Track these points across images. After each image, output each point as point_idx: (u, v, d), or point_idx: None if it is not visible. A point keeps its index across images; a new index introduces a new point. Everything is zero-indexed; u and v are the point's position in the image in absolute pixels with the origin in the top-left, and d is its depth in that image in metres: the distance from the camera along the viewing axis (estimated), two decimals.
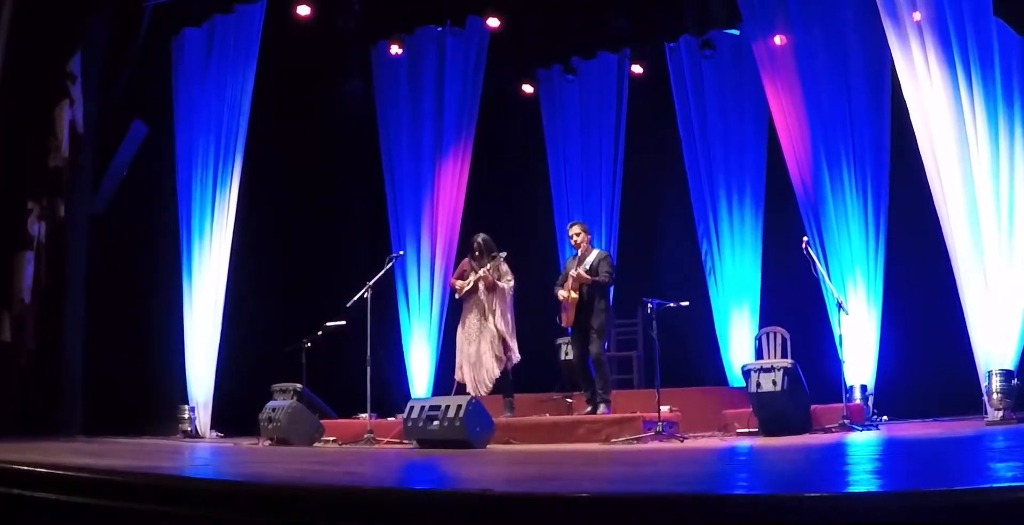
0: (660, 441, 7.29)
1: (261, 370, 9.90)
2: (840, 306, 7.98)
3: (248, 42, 10.27)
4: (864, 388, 8.90)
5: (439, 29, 11.28)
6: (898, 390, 9.10)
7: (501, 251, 8.72)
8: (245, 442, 8.85)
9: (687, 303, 8.25)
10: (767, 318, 10.21)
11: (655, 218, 11.79)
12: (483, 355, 8.56)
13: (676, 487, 3.45)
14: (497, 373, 8.54)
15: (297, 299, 11.14)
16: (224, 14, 10.37)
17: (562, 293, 8.46)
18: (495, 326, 8.56)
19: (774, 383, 7.52)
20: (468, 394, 8.08)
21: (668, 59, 11.26)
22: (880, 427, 8.08)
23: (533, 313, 9.52)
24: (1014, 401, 7.59)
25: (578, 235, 8.56)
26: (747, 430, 7.80)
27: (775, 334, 8.68)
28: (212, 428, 9.97)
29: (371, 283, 8.45)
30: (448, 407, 7.20)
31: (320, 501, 3.07)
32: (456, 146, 11.32)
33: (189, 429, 9.90)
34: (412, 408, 7.51)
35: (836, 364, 8.18)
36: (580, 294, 8.38)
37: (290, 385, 9.19)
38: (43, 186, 9.13)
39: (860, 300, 9.19)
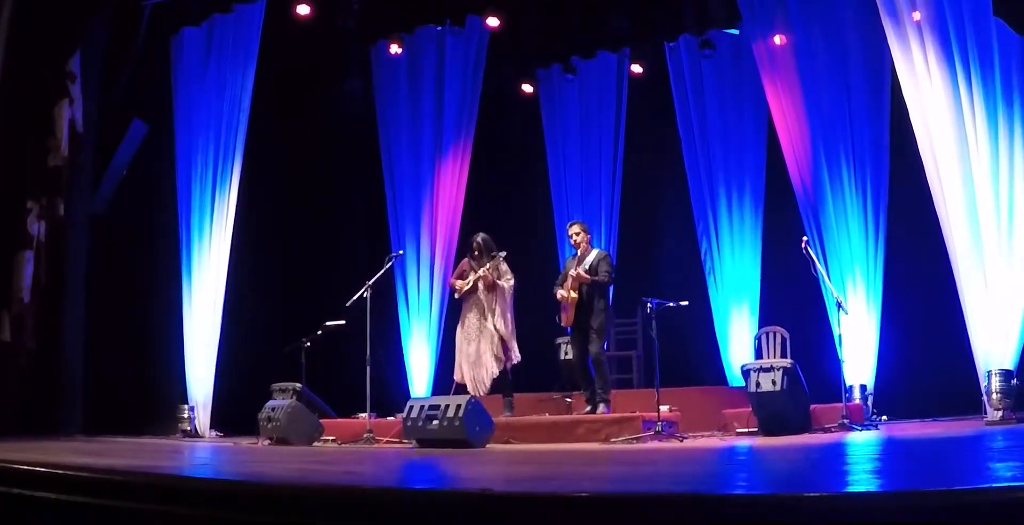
0: (659, 441, 7.29)
1: (261, 370, 9.90)
2: (840, 306, 7.98)
3: (247, 41, 10.26)
4: (863, 388, 8.90)
5: (439, 28, 11.27)
6: (898, 390, 9.10)
7: (501, 251, 8.72)
8: (245, 442, 8.85)
9: (686, 303, 8.25)
10: (766, 318, 10.21)
11: (654, 218, 11.79)
12: (483, 355, 8.55)
13: (675, 487, 3.45)
14: (496, 373, 8.54)
15: (297, 299, 11.14)
16: (223, 13, 10.36)
17: (561, 292, 8.46)
18: (494, 326, 8.55)
19: (773, 383, 7.52)
20: (467, 394, 8.07)
21: (668, 59, 11.26)
22: (879, 427, 8.07)
23: (533, 313, 9.52)
24: (1013, 401, 7.59)
25: (577, 234, 8.56)
26: (746, 430, 7.80)
27: (774, 334, 8.67)
28: (212, 428, 9.97)
29: (371, 283, 8.46)
30: (447, 407, 7.21)
31: (320, 501, 3.07)
32: (456, 146, 11.32)
33: (189, 429, 9.89)
34: (411, 408, 7.51)
35: (835, 364, 8.18)
36: (580, 294, 8.38)
37: (290, 385, 9.19)
38: (43, 185, 9.12)
39: (860, 300, 9.19)
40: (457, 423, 7.08)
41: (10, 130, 8.77)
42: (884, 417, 8.81)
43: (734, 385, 9.71)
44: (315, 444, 8.42)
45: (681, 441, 7.33)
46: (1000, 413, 7.53)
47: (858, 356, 8.90)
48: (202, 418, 9.97)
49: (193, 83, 10.45)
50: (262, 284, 11.02)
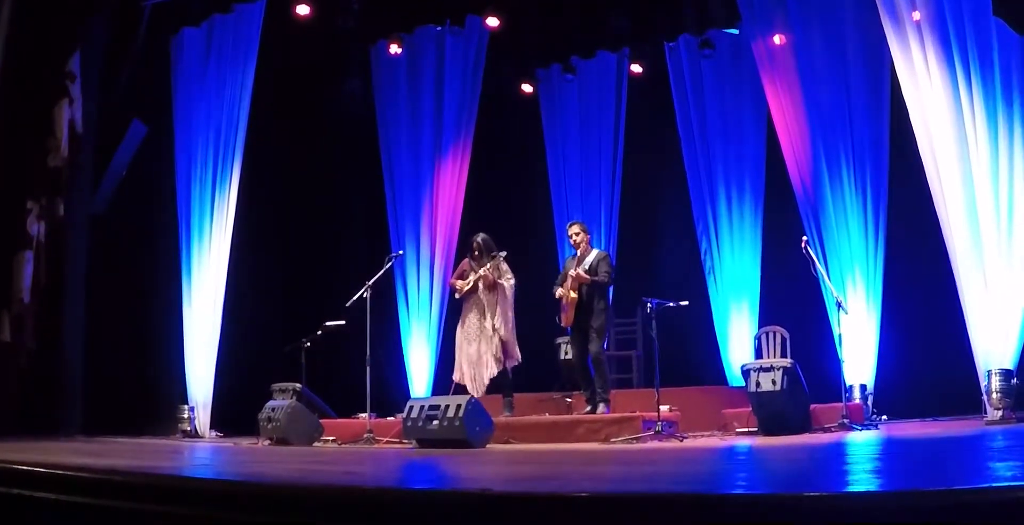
0: (659, 441, 7.29)
1: (261, 370, 9.90)
2: (839, 305, 7.98)
3: (247, 41, 10.26)
4: (863, 387, 8.89)
5: (438, 28, 11.27)
6: (897, 390, 9.10)
7: (501, 251, 8.72)
8: (244, 442, 8.85)
9: (686, 302, 8.25)
10: (766, 317, 10.21)
11: (654, 217, 11.79)
12: (483, 355, 8.55)
13: (675, 486, 3.45)
14: (495, 373, 8.54)
15: (297, 299, 11.14)
16: (223, 13, 10.36)
17: (560, 290, 8.47)
18: (495, 326, 8.55)
19: (773, 382, 7.52)
20: (467, 394, 8.07)
21: (667, 58, 11.26)
22: (879, 427, 8.07)
23: (533, 313, 9.51)
24: (1013, 400, 7.59)
25: (577, 235, 8.56)
26: (746, 430, 7.80)
27: (774, 333, 8.67)
28: (211, 428, 9.97)
29: (370, 283, 8.46)
30: (447, 407, 7.21)
31: (319, 501, 3.07)
32: (455, 145, 11.32)
33: (189, 429, 9.90)
34: (411, 408, 7.51)
35: (835, 363, 8.18)
36: (579, 294, 8.38)
37: (289, 385, 9.18)
38: (43, 186, 9.12)
39: (859, 299, 9.19)
40: (457, 423, 7.08)
41: (10, 130, 8.77)
42: (884, 417, 8.81)
43: (734, 385, 9.71)
44: (315, 444, 8.42)
45: (681, 441, 7.33)
46: (1000, 413, 7.53)
47: (858, 356, 8.90)
48: (202, 418, 9.97)
49: (193, 83, 10.46)
50: (262, 284, 11.02)
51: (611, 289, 9.09)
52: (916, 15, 8.12)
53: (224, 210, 10.23)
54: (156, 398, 10.25)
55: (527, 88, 12.03)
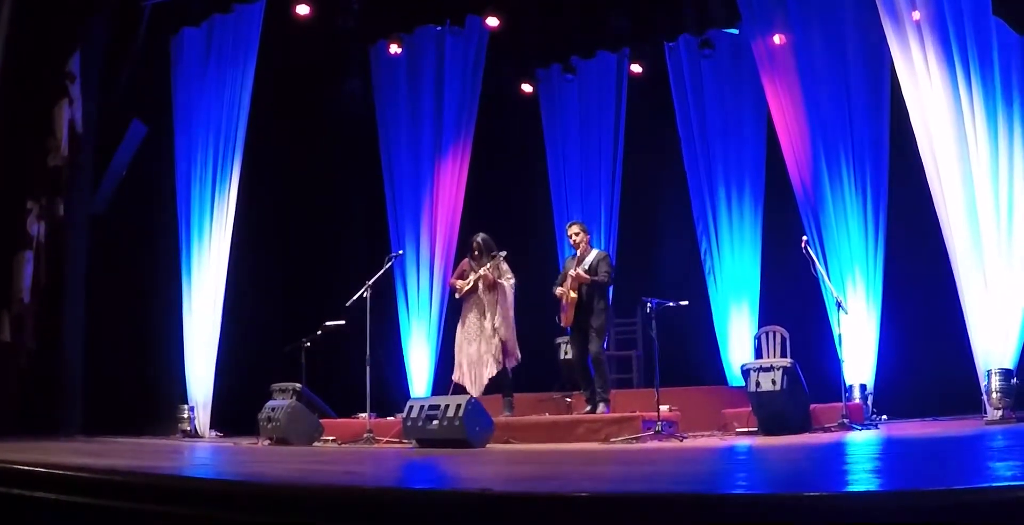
0: (659, 440, 7.29)
1: (260, 370, 9.90)
2: (839, 305, 7.98)
3: (247, 41, 10.27)
4: (863, 387, 8.89)
5: (438, 28, 11.27)
6: (897, 389, 9.10)
7: (501, 250, 8.72)
8: (244, 442, 8.85)
9: (686, 302, 8.25)
10: (766, 317, 10.21)
11: (654, 217, 11.79)
12: (483, 355, 8.55)
13: (675, 486, 3.44)
14: (495, 373, 8.53)
15: (296, 298, 11.15)
16: (223, 14, 10.37)
17: (559, 289, 8.47)
18: (495, 326, 8.55)
19: (773, 382, 7.52)
20: (467, 394, 8.07)
21: (667, 58, 11.26)
22: (879, 426, 8.07)
23: (533, 313, 9.52)
24: (1013, 400, 7.59)
25: (577, 235, 8.56)
26: (746, 429, 7.80)
27: (774, 333, 8.67)
28: (211, 428, 9.97)
29: (370, 282, 8.46)
30: (447, 407, 7.21)
31: (319, 501, 3.07)
32: (455, 145, 11.32)
33: (188, 429, 9.90)
34: (411, 407, 7.51)
35: (835, 363, 8.18)
36: (579, 294, 8.38)
37: (289, 385, 9.18)
38: (42, 186, 9.13)
39: (859, 299, 9.19)
40: (457, 423, 7.08)
41: (10, 130, 8.77)
42: (884, 416, 8.81)
43: (734, 385, 9.71)
44: (315, 444, 8.42)
45: (681, 441, 7.33)
46: (1000, 412, 7.53)
47: (858, 356, 8.90)
48: (202, 418, 9.97)
49: (193, 83, 10.46)
50: (262, 284, 11.03)
51: (611, 289, 9.10)
52: (916, 15, 8.12)
53: (224, 210, 10.23)
54: (156, 398, 10.25)
55: (527, 88, 12.03)
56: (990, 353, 7.78)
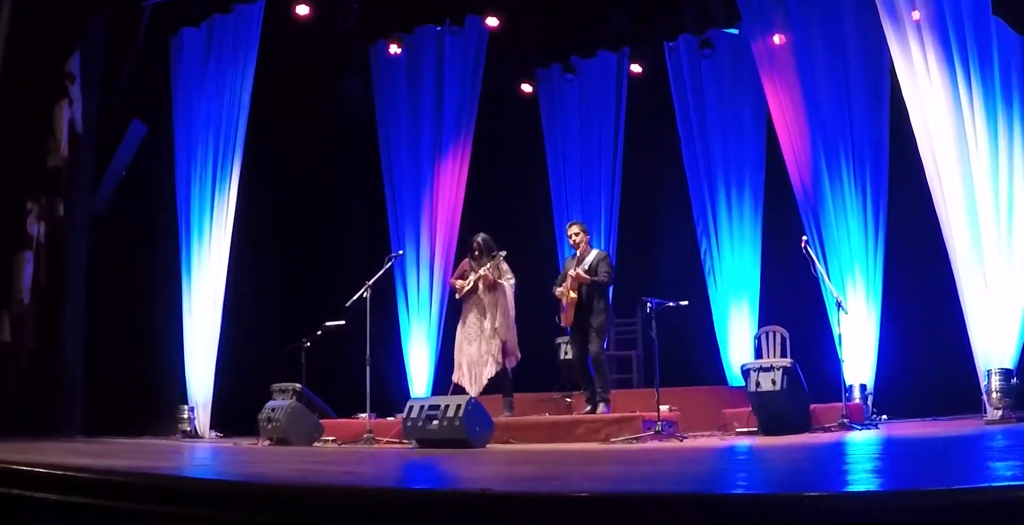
0: (659, 440, 7.29)
1: (261, 370, 9.90)
2: (839, 305, 7.98)
3: (247, 41, 10.26)
4: (863, 387, 8.89)
5: (438, 28, 11.27)
6: (897, 389, 9.10)
7: (501, 250, 8.72)
8: (244, 442, 8.85)
9: (686, 302, 8.25)
10: (766, 317, 10.21)
11: (654, 217, 11.79)
12: (483, 355, 8.55)
13: (675, 486, 3.44)
14: (494, 373, 8.53)
15: (296, 299, 11.14)
16: (223, 14, 10.37)
17: (559, 290, 8.47)
18: (495, 326, 8.55)
19: (773, 382, 7.52)
20: (466, 394, 8.07)
21: (667, 58, 11.26)
22: (879, 426, 8.07)
23: (533, 313, 9.51)
24: (1013, 400, 7.58)
25: (577, 235, 8.57)
26: (746, 429, 7.79)
27: (774, 333, 8.67)
28: (211, 428, 9.97)
29: (370, 283, 8.46)
30: (447, 407, 7.21)
31: (319, 501, 3.07)
32: (455, 145, 11.31)
33: (188, 429, 9.90)
34: (411, 408, 7.51)
35: (835, 363, 8.18)
36: (579, 294, 8.38)
37: (289, 385, 9.18)
38: (42, 186, 9.13)
39: (859, 299, 9.19)
40: (457, 423, 7.08)
41: (10, 130, 8.77)
42: (884, 416, 8.81)
43: (734, 385, 9.71)
44: (315, 444, 8.42)
45: (681, 441, 7.33)
46: (1000, 412, 7.52)
47: (858, 356, 8.90)
48: (202, 418, 9.97)
49: (193, 83, 10.46)
50: (262, 284, 11.02)
51: (611, 289, 9.10)
52: (916, 15, 8.12)
53: (224, 210, 10.23)
54: (156, 398, 10.25)
55: (527, 88, 12.03)
56: (990, 353, 7.78)
